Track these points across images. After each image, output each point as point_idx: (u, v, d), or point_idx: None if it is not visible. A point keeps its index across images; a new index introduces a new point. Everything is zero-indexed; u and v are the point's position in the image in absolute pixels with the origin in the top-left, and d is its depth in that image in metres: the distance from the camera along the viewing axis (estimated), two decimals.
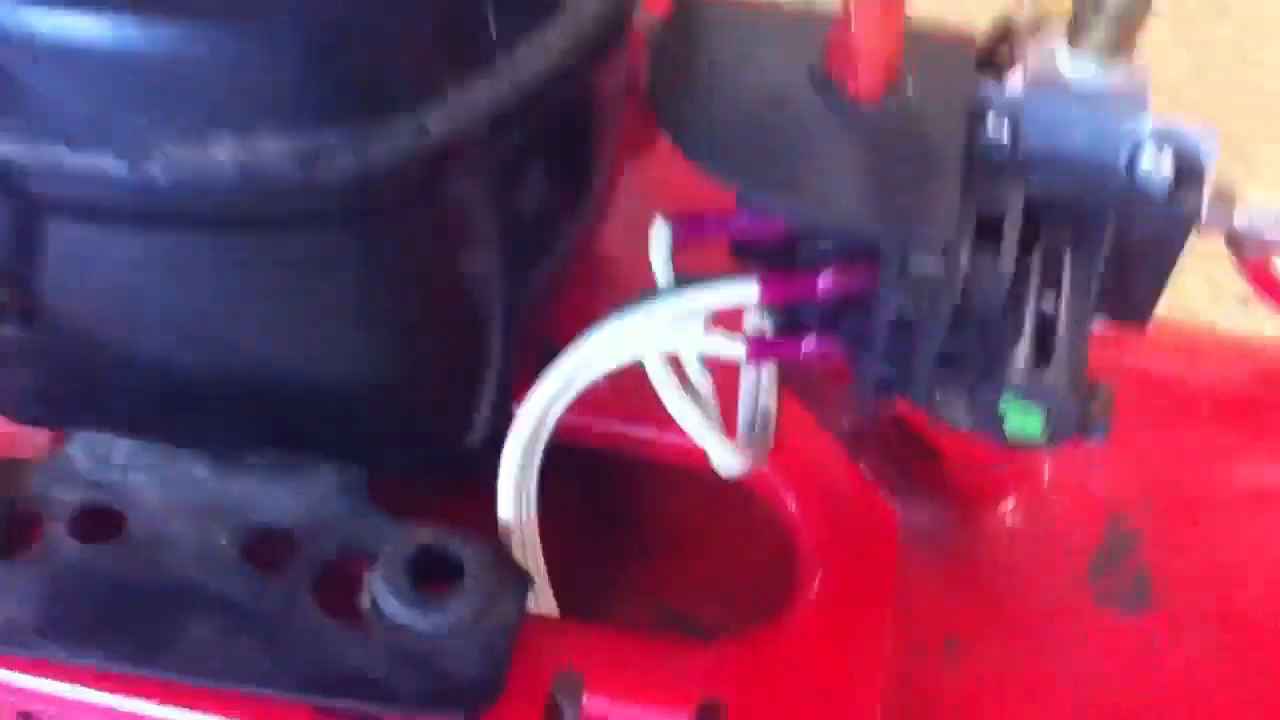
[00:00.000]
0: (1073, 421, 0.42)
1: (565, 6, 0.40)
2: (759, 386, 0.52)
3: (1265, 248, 0.51)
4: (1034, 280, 0.43)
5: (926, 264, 0.42)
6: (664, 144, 0.42)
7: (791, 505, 0.52)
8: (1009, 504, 0.58)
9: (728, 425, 0.51)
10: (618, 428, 0.52)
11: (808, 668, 0.49)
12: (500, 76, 0.38)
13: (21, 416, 0.49)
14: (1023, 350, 0.42)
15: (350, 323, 0.44)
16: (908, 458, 0.58)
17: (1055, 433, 0.42)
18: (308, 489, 0.49)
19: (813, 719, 0.48)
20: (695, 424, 0.47)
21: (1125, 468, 0.59)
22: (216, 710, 0.45)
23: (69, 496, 0.48)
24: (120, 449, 0.49)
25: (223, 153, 0.36)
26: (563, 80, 0.40)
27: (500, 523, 0.49)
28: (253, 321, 0.43)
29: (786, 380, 0.55)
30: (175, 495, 0.49)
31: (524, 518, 0.49)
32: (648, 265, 0.46)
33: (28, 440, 0.50)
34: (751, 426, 0.51)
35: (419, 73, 0.38)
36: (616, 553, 0.57)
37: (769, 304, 0.44)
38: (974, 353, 0.44)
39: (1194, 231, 0.46)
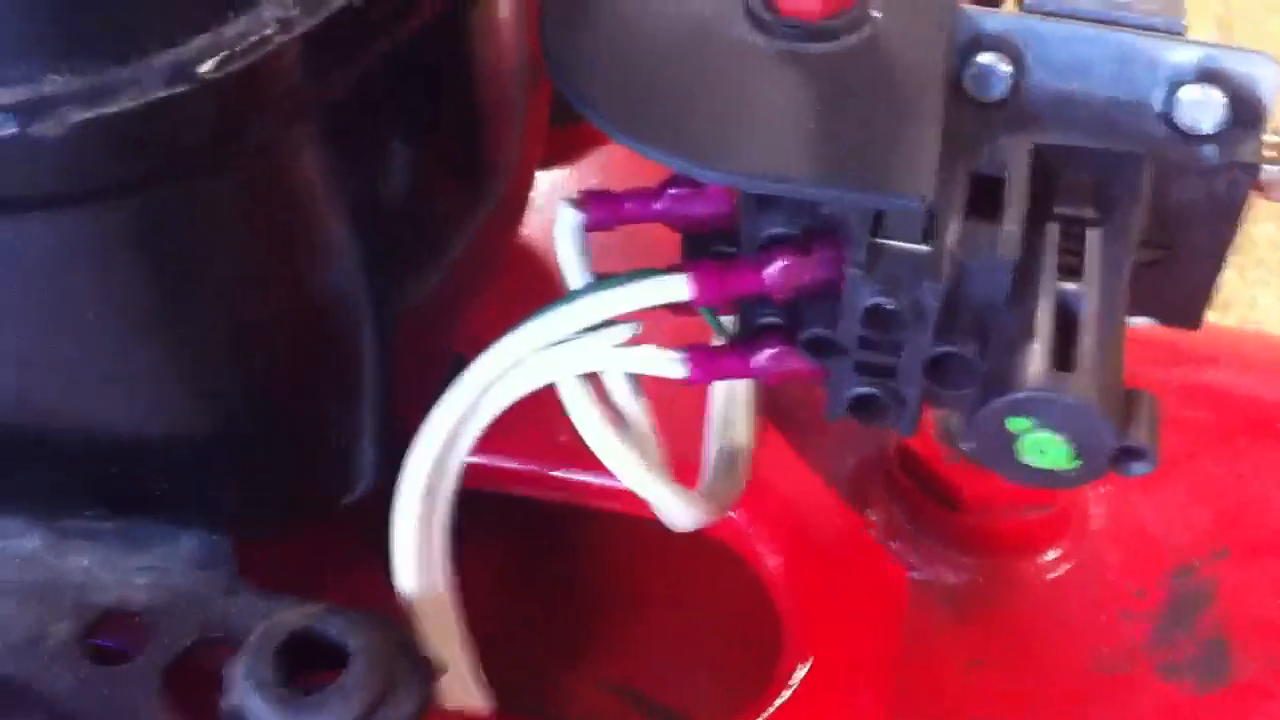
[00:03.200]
0: (1108, 448, 0.31)
1: None
2: (728, 414, 0.42)
3: None
4: (1049, 261, 0.33)
5: (904, 240, 0.32)
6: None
7: (772, 564, 0.42)
8: (1050, 556, 0.47)
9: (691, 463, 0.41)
10: (552, 470, 0.43)
11: None
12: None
13: None
14: (1037, 353, 0.32)
15: (156, 343, 0.34)
16: (921, 503, 0.48)
17: (1086, 464, 0.31)
18: (162, 563, 0.40)
19: None
20: (624, 464, 0.37)
21: (1194, 506, 0.48)
22: None
23: None
24: None
25: None
26: (395, 17, 0.31)
27: (400, 596, 0.39)
28: (28, 344, 0.34)
29: (770, 410, 0.45)
30: (1, 572, 0.40)
31: (431, 587, 0.39)
32: None
33: None
34: (718, 466, 0.41)
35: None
36: (572, 626, 0.48)
37: (706, 305, 0.34)
38: (974, 358, 0.33)
39: (1256, 194, 0.36)
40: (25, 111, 0.27)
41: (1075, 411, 0.31)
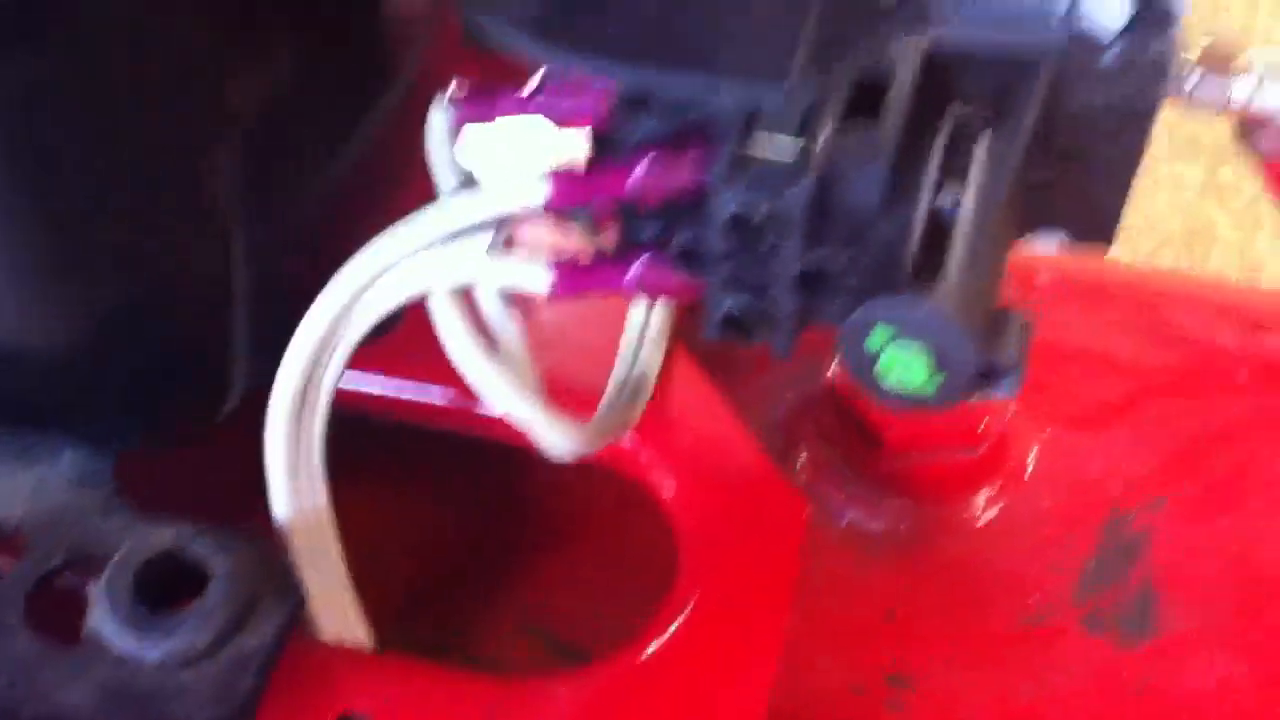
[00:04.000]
0: (968, 363, 0.29)
1: None
2: (636, 339, 0.41)
3: None
4: (931, 167, 0.31)
5: (772, 141, 0.30)
6: None
7: (667, 494, 0.40)
8: (979, 500, 0.45)
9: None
10: (436, 396, 0.41)
11: (676, 703, 0.37)
12: None
13: None
14: (905, 262, 0.30)
15: (19, 242, 0.33)
16: (849, 444, 0.46)
17: (946, 382, 0.29)
18: (33, 475, 0.39)
19: None
20: (493, 387, 0.35)
21: (1134, 451, 0.45)
22: None
23: None
24: None
25: None
26: None
27: (274, 517, 0.38)
28: None
29: (701, 351, 0.43)
30: None
31: (304, 507, 0.38)
32: None
33: None
34: (615, 396, 0.40)
35: None
36: (482, 563, 0.46)
37: (566, 205, 0.33)
38: (847, 269, 0.31)
39: (1177, 105, 0.34)
40: None
41: (933, 322, 0.29)
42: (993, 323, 0.30)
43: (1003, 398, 0.30)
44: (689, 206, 0.32)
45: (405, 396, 0.42)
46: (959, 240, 0.30)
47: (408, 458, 0.44)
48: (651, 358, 0.41)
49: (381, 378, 0.41)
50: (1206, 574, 0.42)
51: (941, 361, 0.29)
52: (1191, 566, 0.43)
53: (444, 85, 0.35)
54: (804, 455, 0.47)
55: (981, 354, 0.29)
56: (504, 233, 0.34)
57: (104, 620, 0.36)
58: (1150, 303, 0.51)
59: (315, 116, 0.37)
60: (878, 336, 0.29)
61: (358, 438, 0.39)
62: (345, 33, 0.38)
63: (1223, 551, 0.43)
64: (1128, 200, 0.34)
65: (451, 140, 0.34)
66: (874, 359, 0.30)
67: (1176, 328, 0.49)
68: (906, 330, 0.29)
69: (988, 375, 0.29)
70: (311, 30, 0.36)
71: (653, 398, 0.40)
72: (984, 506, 0.45)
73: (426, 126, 0.34)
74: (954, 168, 0.31)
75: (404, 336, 0.37)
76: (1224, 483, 0.44)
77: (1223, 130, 0.37)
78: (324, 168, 0.38)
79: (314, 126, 0.37)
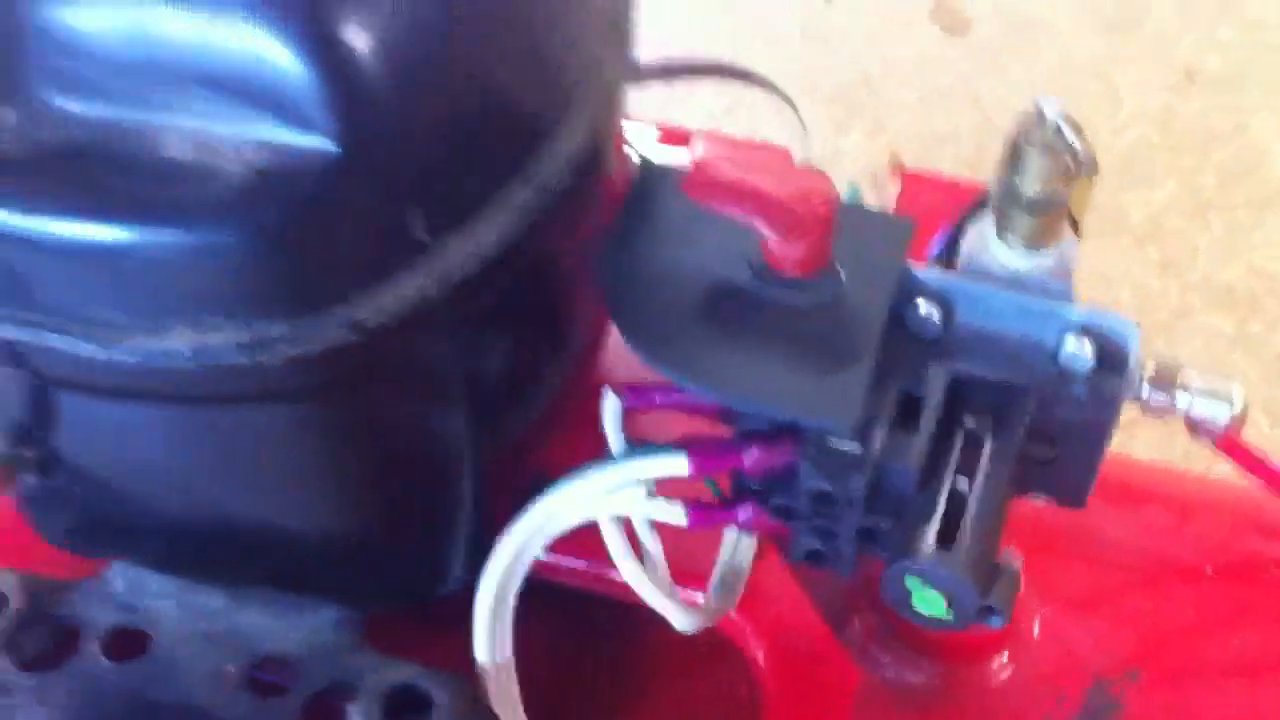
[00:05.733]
0: (972, 607, 0.43)
1: (498, 201, 0.45)
2: (736, 544, 0.55)
3: (1214, 430, 0.51)
4: (952, 461, 0.45)
5: (841, 442, 0.45)
6: None
7: (758, 655, 0.55)
8: (995, 663, 0.59)
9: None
10: (599, 572, 0.56)
11: None
12: (430, 267, 0.43)
13: (64, 545, 0.56)
14: (930, 532, 0.44)
15: (320, 483, 0.49)
16: (894, 616, 0.60)
17: (957, 615, 0.44)
18: (308, 623, 0.54)
19: None
20: (641, 585, 0.50)
21: (1115, 630, 0.59)
22: None
23: (104, 617, 0.55)
24: (151, 578, 0.55)
25: (179, 340, 0.42)
26: (505, 261, 0.45)
27: (476, 664, 0.53)
28: (230, 479, 0.49)
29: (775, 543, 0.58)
30: (194, 623, 0.54)
31: (498, 659, 0.53)
32: None
33: (75, 566, 0.57)
34: (719, 585, 0.54)
35: (345, 274, 0.43)
36: (605, 691, 0.61)
37: (701, 476, 0.48)
38: (890, 530, 0.46)
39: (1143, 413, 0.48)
40: (252, 349, 0.42)
41: (948, 579, 0.43)
42: (991, 571, 0.44)
43: (995, 628, 0.44)
44: (783, 478, 0.47)
45: (564, 564, 0.57)
46: (969, 516, 0.44)
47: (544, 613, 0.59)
48: (746, 555, 0.56)
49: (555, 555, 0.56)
50: None
51: (953, 603, 0.43)
52: None
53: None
54: (857, 623, 0.61)
55: (981, 600, 0.43)
56: (652, 485, 0.49)
57: None
58: (1143, 500, 0.65)
59: (519, 383, 0.53)
60: (911, 582, 0.44)
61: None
62: (551, 325, 0.53)
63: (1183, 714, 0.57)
64: (1095, 476, 0.48)
65: (617, 417, 0.49)
66: (908, 595, 0.44)
67: (1150, 527, 0.63)
68: (931, 583, 0.43)
69: (985, 613, 0.44)
70: (528, 331, 0.52)
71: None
72: (998, 670, 0.59)
73: (602, 405, 0.50)
74: (966, 463, 0.46)
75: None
76: (1188, 662, 0.58)
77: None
78: (527, 414, 0.53)
79: (518, 389, 0.53)
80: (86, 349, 0.42)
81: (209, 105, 0.41)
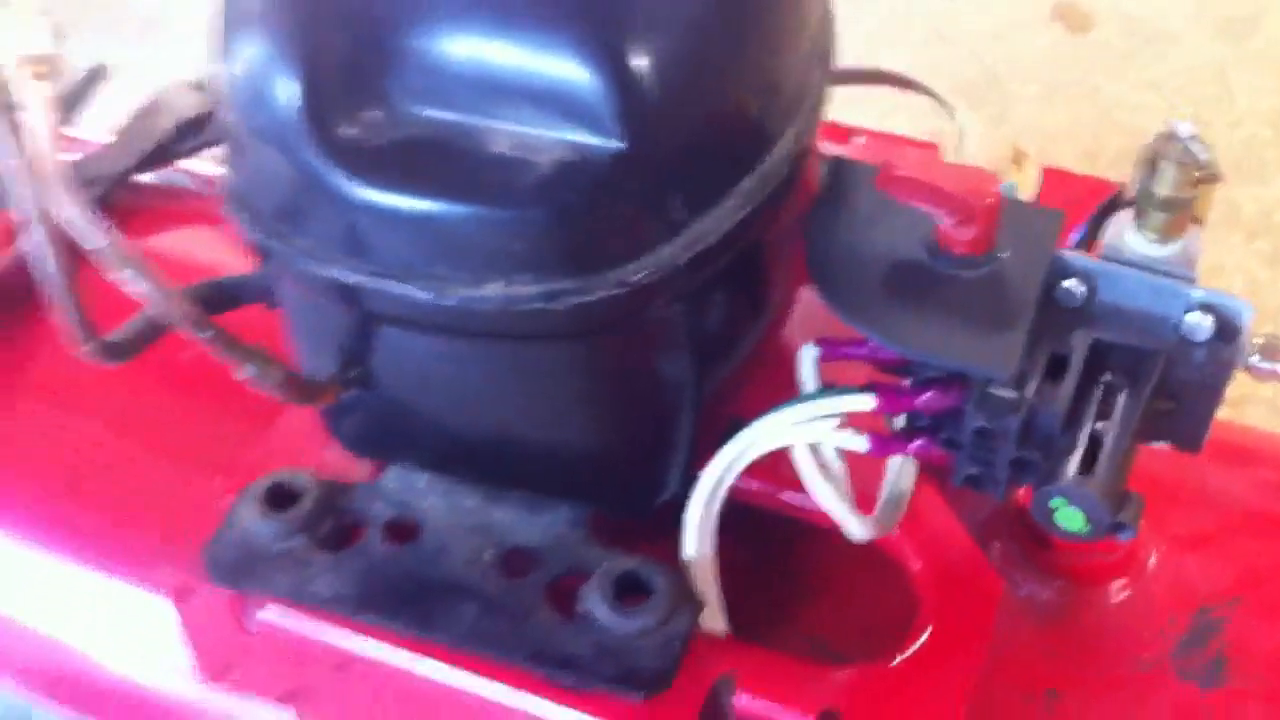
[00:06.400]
0: (1106, 522, 0.54)
1: (736, 190, 0.57)
2: (900, 473, 0.67)
3: None
4: (1092, 408, 0.56)
5: (1001, 389, 0.56)
6: None
7: (915, 567, 0.66)
8: (1116, 585, 0.70)
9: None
10: (783, 495, 0.68)
11: (910, 697, 0.63)
12: (682, 241, 0.56)
13: (356, 450, 0.69)
14: (1073, 462, 0.55)
15: (577, 407, 0.62)
16: (1029, 541, 0.71)
17: (1093, 529, 0.55)
18: (549, 520, 0.67)
19: None
20: (828, 500, 0.62)
21: (1219, 566, 0.70)
22: (474, 669, 0.63)
23: (382, 512, 0.68)
24: (421, 480, 0.68)
25: (492, 290, 0.54)
26: (734, 238, 0.57)
27: (683, 559, 0.65)
28: (510, 401, 0.62)
29: (934, 473, 0.69)
30: (456, 517, 0.67)
31: (702, 556, 0.65)
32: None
33: (357, 468, 0.70)
34: (886, 503, 0.66)
35: (620, 243, 0.55)
36: (779, 592, 0.73)
37: (885, 412, 0.59)
38: (1039, 461, 0.57)
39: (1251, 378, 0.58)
40: (547, 298, 0.54)
41: (1088, 499, 0.54)
42: (1121, 497, 0.55)
43: (1124, 540, 0.55)
44: (951, 416, 0.58)
45: (755, 488, 0.68)
46: (1105, 452, 0.55)
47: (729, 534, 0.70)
48: (908, 481, 0.67)
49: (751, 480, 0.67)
50: (1265, 651, 0.66)
51: (1091, 519, 0.54)
52: (1255, 645, 0.67)
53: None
54: (997, 547, 0.72)
55: (1114, 518, 0.54)
56: (845, 418, 0.60)
57: (595, 605, 0.64)
58: (1249, 460, 0.75)
59: (728, 338, 0.65)
60: (1056, 501, 0.55)
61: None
62: (755, 293, 0.65)
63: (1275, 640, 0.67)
64: (1209, 429, 0.59)
65: (814, 364, 0.61)
66: (1053, 511, 0.55)
67: (1262, 482, 0.73)
68: (1073, 502, 0.54)
69: (1117, 528, 0.55)
70: (738, 296, 0.64)
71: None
72: (1117, 592, 0.70)
73: (801, 353, 0.61)
74: (1103, 411, 0.57)
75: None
76: None
77: None
78: (733, 362, 0.65)
79: (727, 343, 0.65)
80: (420, 295, 0.55)
81: (526, 113, 0.54)
